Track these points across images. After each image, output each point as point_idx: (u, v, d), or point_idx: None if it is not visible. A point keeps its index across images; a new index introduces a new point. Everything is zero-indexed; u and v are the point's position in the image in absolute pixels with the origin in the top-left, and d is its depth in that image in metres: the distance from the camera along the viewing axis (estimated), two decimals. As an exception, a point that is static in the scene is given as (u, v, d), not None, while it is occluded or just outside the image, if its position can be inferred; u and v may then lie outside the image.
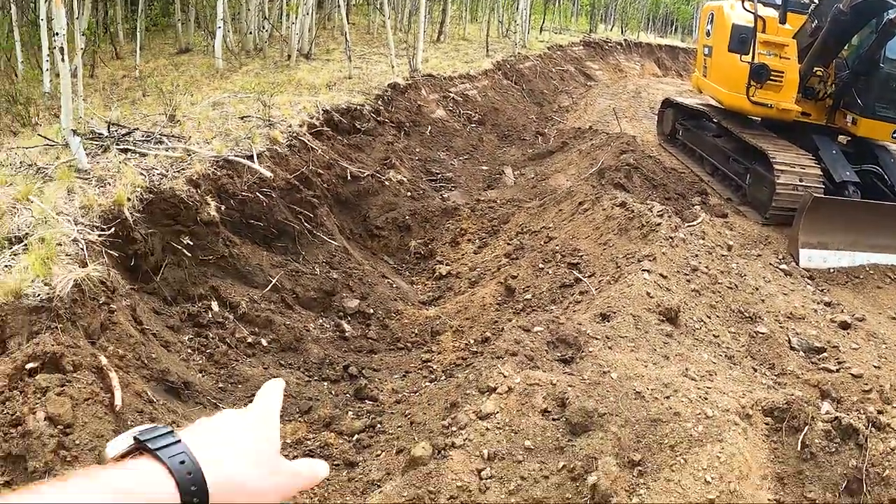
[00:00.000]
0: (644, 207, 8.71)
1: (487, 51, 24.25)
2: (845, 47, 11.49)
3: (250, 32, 21.01)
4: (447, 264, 10.71)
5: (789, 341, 7.47)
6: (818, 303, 8.79)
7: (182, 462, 0.89)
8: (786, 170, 10.45)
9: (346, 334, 8.52)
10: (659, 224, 8.04)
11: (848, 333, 8.00)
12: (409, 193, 12.08)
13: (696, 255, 8.24)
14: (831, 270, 9.78)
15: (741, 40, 11.34)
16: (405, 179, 12.40)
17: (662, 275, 7.33)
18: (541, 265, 8.73)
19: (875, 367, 7.07)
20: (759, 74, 11.11)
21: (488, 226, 11.28)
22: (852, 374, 6.70)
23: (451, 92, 17.33)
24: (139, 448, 0.91)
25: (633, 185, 10.54)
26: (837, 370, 6.94)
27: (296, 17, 18.80)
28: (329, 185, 10.88)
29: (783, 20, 12.13)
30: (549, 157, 14.44)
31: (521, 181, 13.43)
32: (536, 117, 19.60)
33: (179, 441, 0.92)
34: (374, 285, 9.64)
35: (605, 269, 7.89)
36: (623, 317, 6.44)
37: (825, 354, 7.38)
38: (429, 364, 8.08)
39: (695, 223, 9.08)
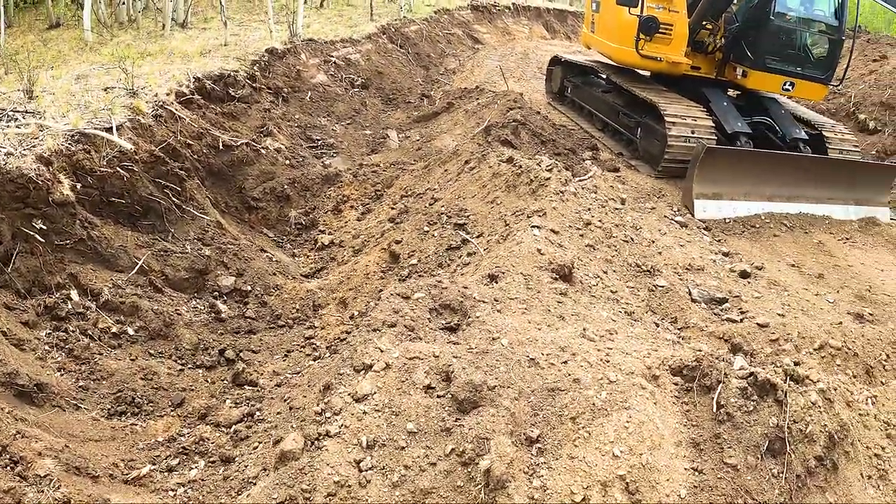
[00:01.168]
0: (532, 163, 8.11)
1: (372, 15, 23.30)
2: (734, 1, 11.20)
3: (123, 3, 19.38)
4: (329, 233, 9.97)
5: (690, 293, 7.03)
6: (716, 253, 8.44)
7: None
8: (677, 122, 10.07)
9: (222, 315, 7.84)
10: (548, 179, 7.45)
11: (748, 283, 7.66)
12: (287, 162, 11.21)
13: (589, 209, 7.70)
14: (727, 220, 9.47)
15: None
16: (283, 147, 11.50)
17: (553, 230, 6.74)
18: (426, 228, 8.05)
19: (779, 314, 6.72)
20: (648, 28, 10.69)
21: (371, 191, 10.53)
22: (758, 324, 6.30)
23: (332, 56, 16.36)
24: None
25: (521, 142, 9.93)
26: (741, 320, 6.55)
27: (168, -16, 17.46)
28: (200, 157, 9.99)
29: None
30: (434, 119, 13.73)
31: (405, 144, 12.69)
32: (423, 80, 18.83)
33: None
34: (251, 260, 8.86)
35: (494, 228, 7.25)
36: (513, 276, 5.82)
37: (727, 305, 6.99)
38: (312, 341, 7.49)
39: (586, 177, 8.55)
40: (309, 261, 9.49)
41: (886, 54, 19.36)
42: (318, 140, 12.78)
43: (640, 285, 6.93)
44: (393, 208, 9.51)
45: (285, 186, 10.56)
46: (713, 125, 10.36)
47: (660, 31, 10.79)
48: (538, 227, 6.63)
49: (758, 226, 9.48)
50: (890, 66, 18.34)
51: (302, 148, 12.04)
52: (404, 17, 24.48)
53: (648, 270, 7.25)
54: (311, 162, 11.66)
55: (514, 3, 36.61)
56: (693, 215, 9.36)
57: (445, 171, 9.58)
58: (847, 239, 9.77)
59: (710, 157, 9.28)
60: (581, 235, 7.08)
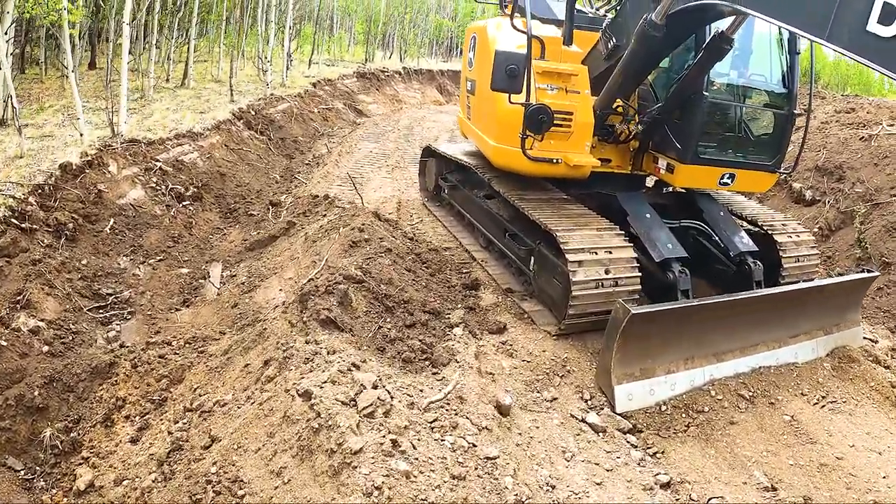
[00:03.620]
0: (339, 404, 4.96)
1: (232, 96, 20.23)
2: (653, 72, 8.51)
3: None
4: (94, 465, 6.71)
5: None
6: (651, 487, 5.49)
7: None
8: (584, 259, 7.18)
9: None
10: (359, 451, 4.33)
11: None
12: (48, 348, 8.01)
13: (444, 460, 4.65)
14: (663, 408, 6.58)
15: (510, 73, 7.47)
16: (41, 326, 8.19)
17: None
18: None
19: None
20: (539, 121, 7.79)
21: (155, 390, 7.32)
22: None
23: (158, 161, 13.15)
24: None
25: (354, 316, 6.78)
26: None
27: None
28: None
29: (569, 41, 8.98)
30: (271, 245, 10.64)
31: (224, 294, 9.50)
32: (281, 176, 15.74)
33: None
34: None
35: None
36: None
37: None
38: None
39: (440, 396, 5.47)
40: (60, 516, 6.27)
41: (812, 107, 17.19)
42: (110, 295, 9.52)
43: None
44: (170, 433, 6.31)
45: (38, 391, 7.29)
46: (633, 256, 7.51)
47: (556, 122, 7.93)
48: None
49: (707, 409, 6.63)
50: (818, 122, 16.08)
51: (80, 315, 8.77)
52: (272, 94, 21.51)
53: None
54: (88, 338, 8.44)
55: (404, 68, 34.15)
56: (613, 408, 6.43)
57: (246, 368, 6.47)
58: (823, 398, 7.14)
59: (637, 324, 6.38)
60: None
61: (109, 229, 10.88)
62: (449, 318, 7.39)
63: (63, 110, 17.25)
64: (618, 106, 8.48)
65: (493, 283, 8.96)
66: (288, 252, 9.74)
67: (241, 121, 17.87)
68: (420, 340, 6.63)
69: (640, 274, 7.38)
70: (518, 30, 8.21)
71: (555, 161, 8.07)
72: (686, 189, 9.18)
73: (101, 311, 9.18)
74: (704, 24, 7.29)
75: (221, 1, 27.56)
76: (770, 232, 8.76)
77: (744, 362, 7.23)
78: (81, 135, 13.26)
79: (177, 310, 9.48)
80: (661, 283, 7.78)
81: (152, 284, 10.08)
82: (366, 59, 35.79)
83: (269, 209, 12.82)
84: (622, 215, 8.41)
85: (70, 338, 8.31)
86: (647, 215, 8.35)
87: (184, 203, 12.61)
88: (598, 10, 10.54)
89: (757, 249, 8.42)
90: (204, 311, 9.11)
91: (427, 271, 8.50)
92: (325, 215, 10.36)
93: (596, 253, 7.25)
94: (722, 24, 7.03)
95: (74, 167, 11.49)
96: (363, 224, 8.79)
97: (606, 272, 7.17)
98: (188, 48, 23.51)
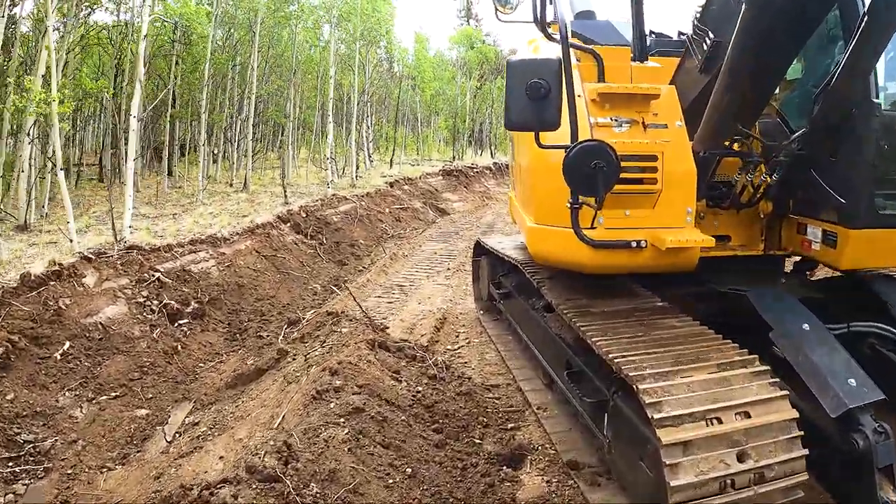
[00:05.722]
0: None
1: (286, 198, 18.10)
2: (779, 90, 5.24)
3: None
4: None
5: None
6: None
7: None
8: (691, 438, 3.81)
9: None
10: None
11: None
12: None
13: None
14: None
15: (534, 93, 4.20)
16: None
17: None
18: None
19: None
20: (593, 172, 4.30)
21: None
22: None
23: (158, 270, 10.70)
24: None
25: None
26: None
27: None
28: None
29: (641, 55, 5.91)
30: (255, 382, 7.75)
31: (173, 450, 6.61)
32: (323, 287, 13.01)
33: None
34: None
35: None
36: None
37: None
38: None
39: None
40: None
41: None
42: (29, 443, 6.89)
43: None
44: None
45: None
46: (793, 418, 4.03)
47: (629, 178, 4.74)
48: None
49: None
50: None
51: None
52: (333, 195, 19.23)
53: None
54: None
55: (494, 163, 31.71)
56: None
57: None
58: None
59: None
60: None
61: (60, 355, 8.34)
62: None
63: (100, 216, 15.53)
64: (735, 141, 5.26)
65: (550, 448, 5.65)
66: (259, 398, 6.83)
67: (288, 223, 15.48)
68: None
69: (805, 452, 3.97)
70: (552, 39, 5.20)
71: (635, 245, 4.87)
72: (854, 270, 5.56)
73: (10, 463, 6.56)
74: None
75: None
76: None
77: None
78: (71, 241, 11.09)
79: (108, 469, 6.71)
80: (835, 449, 4.31)
81: (91, 431, 7.38)
82: (454, 157, 33.63)
83: (283, 329, 10.00)
84: (758, 329, 4.94)
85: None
86: (805, 326, 4.81)
87: (179, 322, 10.00)
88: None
89: None
90: (133, 477, 6.26)
91: (437, 436, 5.31)
92: (323, 341, 7.42)
93: (717, 421, 3.90)
94: None
95: (33, 278, 9.13)
96: (342, 361, 5.73)
97: (740, 459, 3.81)
98: (247, 151, 21.79)
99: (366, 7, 22.81)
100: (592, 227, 4.69)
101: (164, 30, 21.24)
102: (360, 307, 8.72)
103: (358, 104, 25.68)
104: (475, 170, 29.73)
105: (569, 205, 4.57)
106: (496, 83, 41.61)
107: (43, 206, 15.93)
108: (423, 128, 40.06)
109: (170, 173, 24.00)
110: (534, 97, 4.20)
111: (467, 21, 57.77)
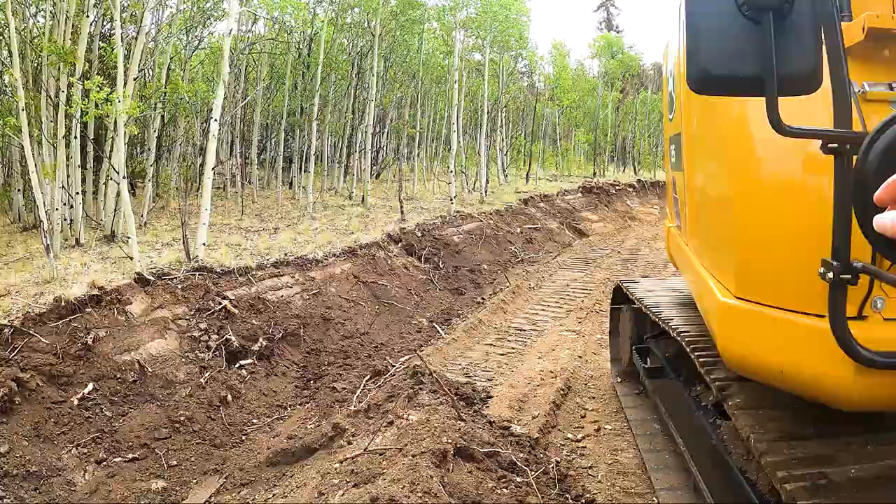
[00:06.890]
0: None
1: (403, 215, 16.17)
2: None
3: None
4: None
5: None
6: None
7: None
8: None
9: None
10: None
11: None
12: None
13: None
14: None
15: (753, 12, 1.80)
16: None
17: None
18: None
19: None
20: None
21: None
22: None
23: (226, 297, 8.90)
24: None
25: None
26: None
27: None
28: None
29: None
30: (299, 464, 5.64)
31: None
32: (430, 321, 10.84)
33: None
34: None
35: None
36: None
37: None
38: None
39: None
40: None
41: None
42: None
43: None
44: None
45: None
46: None
47: None
48: None
49: None
50: None
51: None
52: (457, 212, 17.14)
53: None
54: None
55: (639, 181, 28.75)
56: None
57: None
58: None
59: None
60: None
61: (79, 400, 6.61)
62: None
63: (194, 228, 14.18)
64: None
65: None
66: (295, 494, 4.67)
67: (399, 243, 13.49)
68: None
69: None
70: None
71: None
72: None
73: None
74: None
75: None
76: None
77: None
78: (131, 258, 9.48)
79: None
80: None
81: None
82: (594, 173, 30.92)
83: (363, 382, 7.86)
84: None
85: None
86: None
87: (241, 363, 8.10)
88: None
89: None
90: None
91: None
92: (390, 422, 5.18)
93: None
94: None
95: (64, 304, 7.49)
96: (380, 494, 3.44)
97: None
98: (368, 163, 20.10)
99: (497, 11, 20.73)
100: (861, 317, 2.24)
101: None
102: (427, 369, 6.40)
103: (489, 113, 23.57)
104: (617, 187, 26.98)
105: (824, 272, 2.15)
106: (640, 97, 38.56)
107: (142, 215, 14.71)
108: (563, 141, 37.50)
109: (290, 185, 22.81)
110: (757, 17, 1.80)
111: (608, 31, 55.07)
